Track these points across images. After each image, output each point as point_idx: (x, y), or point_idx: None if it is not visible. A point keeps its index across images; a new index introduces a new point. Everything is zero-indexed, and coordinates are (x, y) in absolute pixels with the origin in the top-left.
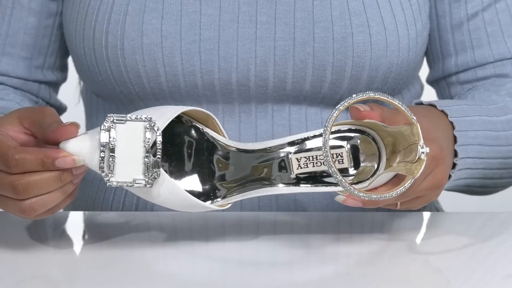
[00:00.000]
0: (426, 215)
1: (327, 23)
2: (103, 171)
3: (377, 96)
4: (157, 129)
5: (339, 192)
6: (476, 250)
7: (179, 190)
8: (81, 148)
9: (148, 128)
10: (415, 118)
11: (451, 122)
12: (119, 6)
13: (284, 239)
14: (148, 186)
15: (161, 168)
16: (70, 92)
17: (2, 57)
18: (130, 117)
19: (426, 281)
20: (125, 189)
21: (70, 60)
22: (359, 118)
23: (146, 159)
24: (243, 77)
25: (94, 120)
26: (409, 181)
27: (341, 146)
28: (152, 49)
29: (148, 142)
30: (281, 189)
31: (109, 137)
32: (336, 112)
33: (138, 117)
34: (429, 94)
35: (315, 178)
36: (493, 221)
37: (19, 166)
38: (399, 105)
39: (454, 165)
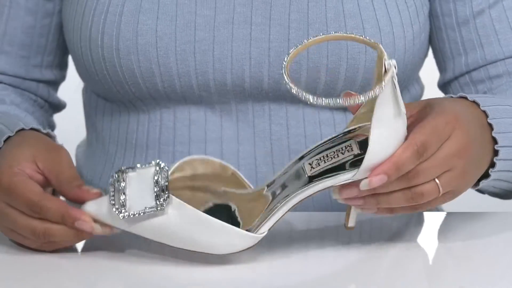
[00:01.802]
0: (426, 215)
1: (322, 25)
2: (116, 209)
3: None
4: (166, 167)
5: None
6: (476, 250)
7: (194, 212)
8: (99, 211)
9: (158, 171)
10: (373, 40)
11: (484, 111)
12: (114, 7)
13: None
14: (159, 209)
15: (171, 194)
16: (70, 90)
17: (0, 55)
18: (139, 165)
19: (426, 282)
20: None
21: (69, 59)
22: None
23: (155, 189)
24: (237, 78)
25: (93, 119)
26: (377, 86)
27: (349, 139)
28: (147, 50)
29: (157, 181)
30: (297, 198)
31: (120, 186)
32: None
33: (148, 164)
34: (429, 95)
35: (327, 172)
36: (494, 221)
37: (42, 213)
38: (358, 37)
39: (496, 153)
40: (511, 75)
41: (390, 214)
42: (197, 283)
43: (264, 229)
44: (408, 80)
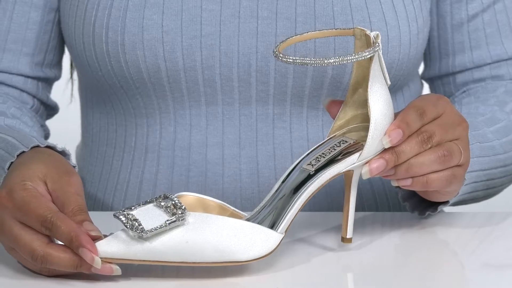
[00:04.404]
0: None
1: (329, 18)
2: (133, 232)
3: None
4: (169, 194)
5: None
6: (476, 250)
7: (216, 216)
8: (111, 246)
9: (161, 199)
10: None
11: None
12: (119, 2)
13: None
14: (181, 219)
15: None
16: (62, 90)
17: (3, 53)
18: (139, 203)
19: (427, 282)
20: (125, 189)
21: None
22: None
23: (168, 208)
24: (244, 72)
25: (89, 119)
26: (372, 47)
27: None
28: (153, 45)
29: (166, 206)
30: (309, 191)
31: (130, 216)
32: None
33: (146, 200)
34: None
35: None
36: (493, 221)
37: (52, 231)
38: (333, 30)
39: None
40: (493, 79)
41: (426, 187)
42: (196, 281)
43: (281, 229)
44: (409, 75)
